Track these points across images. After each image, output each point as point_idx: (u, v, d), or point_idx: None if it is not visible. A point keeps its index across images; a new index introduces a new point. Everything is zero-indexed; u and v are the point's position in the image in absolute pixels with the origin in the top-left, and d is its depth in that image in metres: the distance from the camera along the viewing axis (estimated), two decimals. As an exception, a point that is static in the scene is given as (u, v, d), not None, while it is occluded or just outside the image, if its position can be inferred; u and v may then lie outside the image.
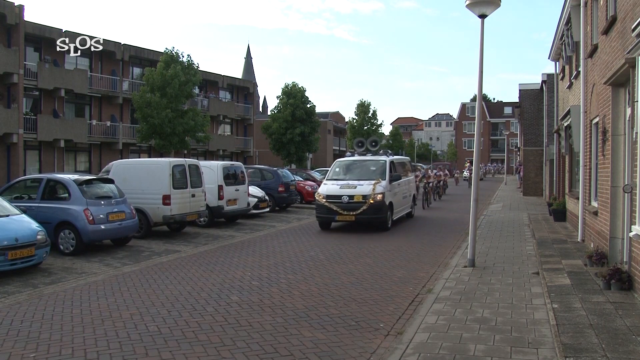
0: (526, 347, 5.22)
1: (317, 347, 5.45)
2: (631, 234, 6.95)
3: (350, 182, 14.83)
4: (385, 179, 14.80)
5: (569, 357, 4.79)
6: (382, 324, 6.26)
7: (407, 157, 20.48)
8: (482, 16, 9.01)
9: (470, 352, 5.11)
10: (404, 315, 6.59)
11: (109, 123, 33.31)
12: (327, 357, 5.22)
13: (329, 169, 16.51)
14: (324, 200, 14.39)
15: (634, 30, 6.56)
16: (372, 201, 13.97)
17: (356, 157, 16.76)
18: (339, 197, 14.21)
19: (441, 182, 27.47)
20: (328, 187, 14.86)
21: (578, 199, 12.30)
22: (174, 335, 5.85)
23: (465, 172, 49.14)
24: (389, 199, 14.65)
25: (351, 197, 14.14)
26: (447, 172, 33.87)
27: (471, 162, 45.37)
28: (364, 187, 14.33)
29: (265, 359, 5.18)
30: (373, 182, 14.45)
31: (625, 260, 7.50)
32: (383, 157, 16.09)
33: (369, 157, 16.54)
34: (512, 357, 4.97)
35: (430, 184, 24.34)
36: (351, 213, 14.03)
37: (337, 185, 14.75)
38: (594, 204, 10.40)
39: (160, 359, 5.19)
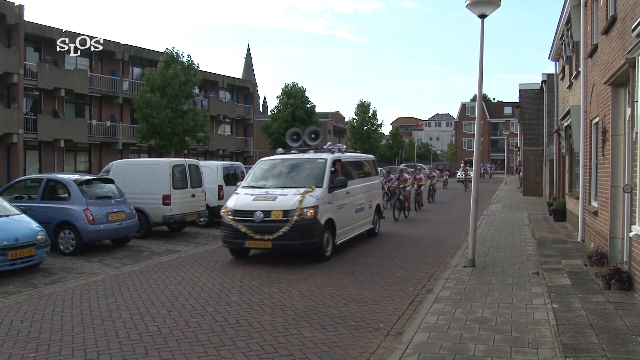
0: (526, 347, 5.22)
1: (317, 347, 5.45)
2: (631, 234, 6.95)
3: (272, 190, 10.39)
4: (322, 186, 10.37)
5: (569, 357, 4.79)
6: (382, 324, 6.26)
7: (369, 155, 15.03)
8: (482, 16, 9.01)
9: (470, 352, 5.11)
10: (404, 315, 6.59)
11: (109, 123, 33.32)
12: (327, 357, 5.22)
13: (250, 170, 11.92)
14: (230, 217, 10.01)
15: (634, 30, 6.57)
16: (297, 219, 9.52)
17: (289, 155, 11.87)
18: (251, 212, 9.81)
19: (421, 188, 22.18)
20: (238, 198, 10.43)
21: (578, 199, 12.30)
22: (174, 335, 5.85)
23: (459, 174, 44.00)
24: (327, 214, 10.22)
25: (267, 213, 9.67)
26: (434, 173, 28.56)
27: (466, 163, 43.26)
28: (287, 198, 9.88)
29: (265, 359, 5.18)
30: (303, 190, 10.05)
31: (625, 260, 7.50)
32: (324, 155, 11.40)
33: (304, 155, 11.70)
34: (512, 357, 4.97)
35: (404, 190, 18.57)
36: (266, 237, 9.55)
37: (251, 195, 10.32)
38: (594, 204, 10.40)
39: (160, 359, 5.19)
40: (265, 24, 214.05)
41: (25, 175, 24.23)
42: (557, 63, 19.13)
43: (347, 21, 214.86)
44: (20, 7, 26.52)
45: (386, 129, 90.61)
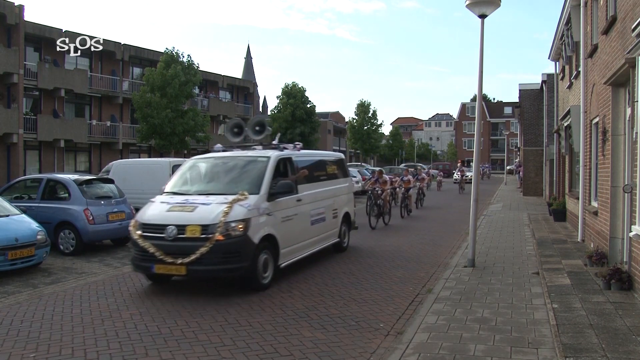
0: (526, 347, 5.22)
1: (317, 347, 5.45)
2: (631, 234, 6.95)
3: (194, 198, 8.08)
4: (259, 192, 8.01)
5: (569, 357, 4.79)
6: (382, 324, 6.26)
7: (336, 154, 12.59)
8: (482, 16, 9.01)
9: (470, 352, 5.11)
10: (404, 315, 6.59)
11: (109, 123, 33.33)
12: (327, 357, 5.22)
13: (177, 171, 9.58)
14: (138, 232, 7.82)
15: (634, 30, 6.57)
16: (219, 237, 7.26)
17: (225, 153, 9.50)
18: (162, 227, 7.58)
19: (409, 191, 19.23)
20: (150, 208, 8.19)
21: (578, 199, 12.30)
22: (174, 335, 5.85)
23: (455, 174, 40.92)
24: (265, 229, 7.87)
25: (182, 228, 7.41)
26: (424, 175, 24.75)
27: (462, 163, 42.50)
28: (209, 209, 7.58)
29: (265, 359, 5.18)
30: (232, 198, 7.72)
31: (625, 260, 7.51)
32: (267, 153, 8.98)
33: (242, 154, 9.32)
34: (512, 357, 4.97)
35: (383, 193, 15.83)
36: (179, 261, 7.30)
37: (168, 204, 8.06)
38: (594, 204, 10.40)
39: (160, 359, 5.19)
40: (266, 24, 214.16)
41: (25, 175, 24.24)
42: (557, 63, 19.13)
43: (347, 21, 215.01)
44: (20, 7, 26.53)
45: (386, 129, 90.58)
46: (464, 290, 7.55)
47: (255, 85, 54.52)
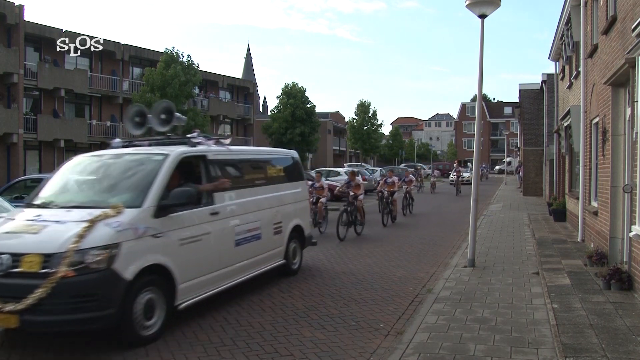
0: (526, 347, 5.22)
1: (317, 347, 5.46)
2: (631, 234, 6.95)
3: (53, 212, 5.91)
4: (143, 205, 5.82)
5: (569, 357, 4.79)
6: (382, 324, 6.26)
7: (284, 151, 10.29)
8: (482, 16, 9.01)
9: (470, 352, 5.11)
10: (404, 315, 6.59)
11: (109, 123, 33.35)
12: (327, 357, 5.22)
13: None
14: None
15: (634, 30, 6.57)
16: (66, 272, 5.00)
17: (115, 151, 7.30)
18: None
19: (394, 195, 16.76)
20: None
21: (578, 199, 12.30)
22: (174, 335, 5.84)
23: (452, 175, 38.30)
24: (148, 258, 5.62)
25: (17, 258, 5.15)
26: (411, 176, 20.44)
27: (459, 163, 38.47)
28: (59, 231, 5.39)
29: (265, 359, 5.18)
30: (98, 213, 5.50)
31: (625, 260, 7.51)
32: (166, 150, 6.69)
33: (134, 151, 7.14)
34: (512, 357, 4.97)
35: (356, 200, 13.76)
36: (7, 307, 4.94)
37: (12, 221, 5.92)
38: (594, 204, 10.40)
39: (160, 359, 5.19)
40: (267, 24, 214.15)
41: (25, 175, 24.24)
42: (557, 63, 19.13)
43: (348, 21, 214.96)
44: (20, 7, 26.55)
45: (386, 129, 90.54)
46: (464, 290, 7.54)
47: (255, 85, 54.56)
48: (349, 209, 13.46)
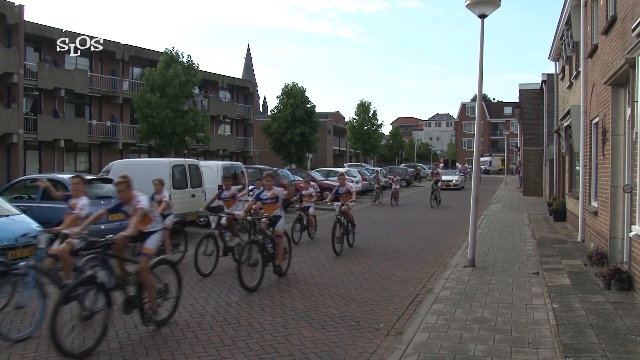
0: (526, 347, 5.22)
1: (317, 347, 5.46)
2: (631, 234, 6.95)
3: None
4: None
5: (569, 357, 4.79)
6: (382, 324, 6.27)
7: None
8: (482, 16, 9.02)
9: (470, 352, 5.11)
10: (404, 315, 6.59)
11: (109, 123, 33.33)
12: (327, 357, 5.22)
13: None
14: None
15: (634, 30, 6.57)
16: None
17: None
18: None
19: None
20: None
21: (578, 199, 12.30)
22: (174, 335, 5.85)
23: (429, 177, 29.57)
24: None
25: None
26: (349, 184, 12.17)
27: (438, 164, 34.63)
28: None
29: (265, 359, 5.18)
30: None
31: (625, 260, 7.51)
32: None
33: None
34: (512, 357, 4.97)
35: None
36: None
37: None
38: (594, 204, 10.41)
39: (160, 359, 5.19)
40: (268, 24, 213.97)
41: (25, 175, 24.23)
42: (557, 63, 19.13)
43: (350, 21, 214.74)
44: (20, 7, 26.52)
45: (386, 129, 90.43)
46: (464, 290, 7.55)
47: (255, 85, 54.53)
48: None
